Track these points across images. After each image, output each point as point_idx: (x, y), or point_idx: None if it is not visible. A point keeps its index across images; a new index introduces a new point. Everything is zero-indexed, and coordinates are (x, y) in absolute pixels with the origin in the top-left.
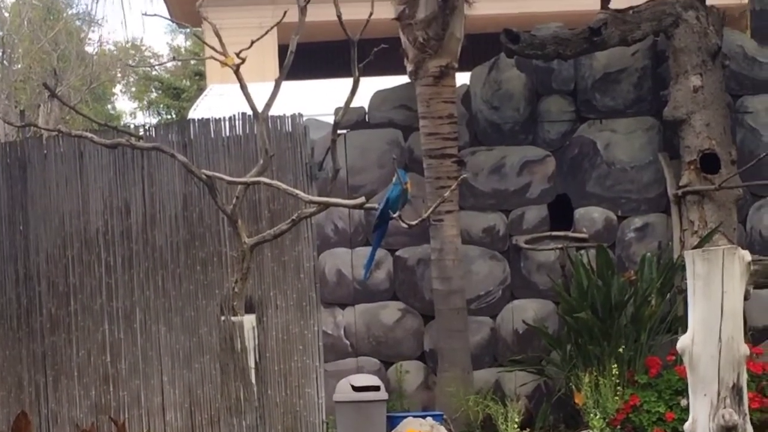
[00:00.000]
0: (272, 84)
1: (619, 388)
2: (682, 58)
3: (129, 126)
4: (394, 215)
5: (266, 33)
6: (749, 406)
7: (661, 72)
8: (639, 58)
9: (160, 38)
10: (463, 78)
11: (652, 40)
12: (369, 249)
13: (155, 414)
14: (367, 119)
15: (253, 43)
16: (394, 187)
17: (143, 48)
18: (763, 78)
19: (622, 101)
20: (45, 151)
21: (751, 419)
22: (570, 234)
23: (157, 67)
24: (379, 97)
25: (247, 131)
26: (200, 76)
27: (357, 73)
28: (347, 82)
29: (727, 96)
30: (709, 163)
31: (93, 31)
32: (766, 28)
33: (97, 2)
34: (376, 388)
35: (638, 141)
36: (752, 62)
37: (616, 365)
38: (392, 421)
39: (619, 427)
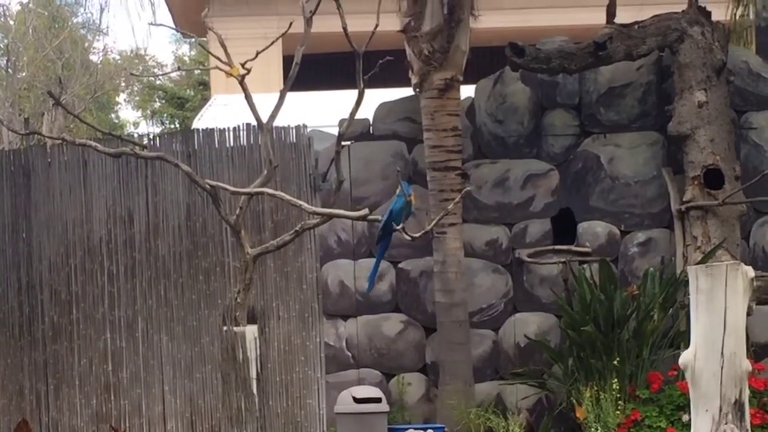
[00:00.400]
0: (277, 95)
1: (620, 402)
2: (687, 73)
3: (133, 135)
4: (398, 227)
5: (271, 44)
6: (751, 422)
7: (666, 87)
8: (644, 72)
9: (165, 48)
10: (467, 91)
11: (657, 55)
12: (372, 261)
13: (156, 423)
14: (371, 131)
15: (258, 53)
16: (398, 199)
17: (147, 57)
18: (767, 94)
19: (627, 116)
20: (49, 160)
21: None
22: (573, 248)
23: (161, 77)
24: (384, 109)
25: (252, 142)
26: (204, 85)
27: (362, 85)
28: (352, 94)
29: (731, 112)
30: (712, 178)
31: (98, 40)
32: None
33: (102, 11)
34: (378, 400)
35: (642, 156)
36: (757, 78)
37: (617, 380)
38: None
39: None
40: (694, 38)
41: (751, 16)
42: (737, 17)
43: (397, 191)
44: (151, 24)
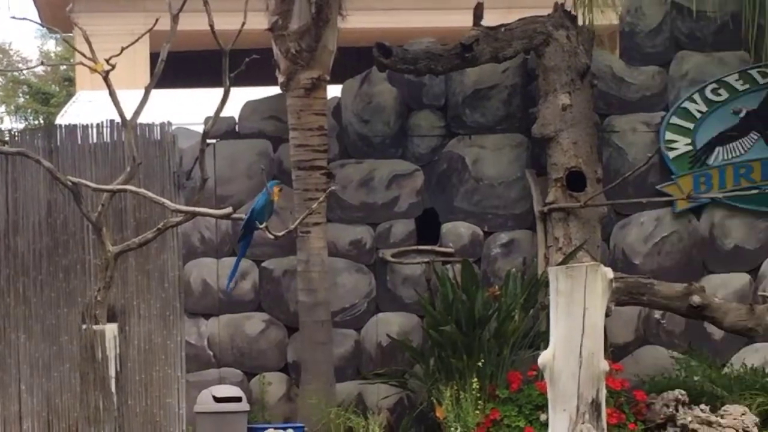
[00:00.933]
0: (142, 92)
1: (480, 402)
2: (551, 76)
3: None
4: (261, 226)
5: (137, 40)
6: (607, 422)
7: (531, 90)
8: (509, 75)
9: (30, 42)
10: (334, 90)
11: (522, 58)
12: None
13: (12, 423)
14: (236, 129)
15: (123, 49)
16: (261, 197)
17: (12, 52)
18: (630, 98)
19: (492, 118)
20: None
21: None
22: (436, 248)
23: (25, 72)
24: (250, 107)
25: (115, 138)
26: (70, 81)
27: (228, 83)
28: (218, 92)
29: (594, 115)
30: (575, 180)
31: None
32: (634, 49)
33: None
34: (238, 399)
35: (506, 157)
36: (620, 82)
37: (477, 379)
38: None
39: None
40: (559, 42)
41: (596, 21)
42: (593, 21)
43: (264, 189)
44: (15, 18)
